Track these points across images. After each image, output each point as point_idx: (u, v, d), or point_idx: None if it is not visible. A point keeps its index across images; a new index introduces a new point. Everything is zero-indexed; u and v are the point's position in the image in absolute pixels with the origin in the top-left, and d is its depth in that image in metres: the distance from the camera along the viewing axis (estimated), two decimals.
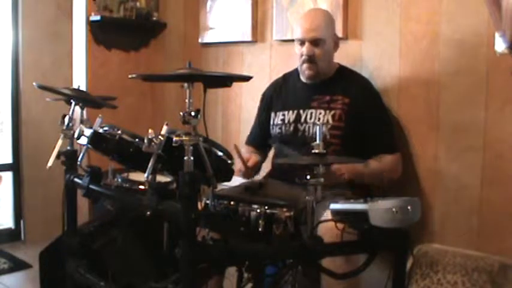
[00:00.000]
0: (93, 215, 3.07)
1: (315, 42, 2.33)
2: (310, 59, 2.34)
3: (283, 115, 2.44)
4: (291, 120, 2.41)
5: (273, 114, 2.48)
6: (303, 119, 2.38)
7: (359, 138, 2.29)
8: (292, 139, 2.39)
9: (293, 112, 2.42)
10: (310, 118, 2.36)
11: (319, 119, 2.33)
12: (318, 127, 1.76)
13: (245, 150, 2.60)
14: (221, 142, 2.03)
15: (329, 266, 1.77)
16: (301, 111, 2.39)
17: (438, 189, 2.35)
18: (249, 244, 1.67)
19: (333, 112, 2.32)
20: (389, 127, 2.38)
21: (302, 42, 2.35)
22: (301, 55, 2.36)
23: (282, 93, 2.53)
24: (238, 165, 2.19)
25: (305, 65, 2.37)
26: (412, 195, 1.70)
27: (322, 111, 2.34)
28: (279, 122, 2.45)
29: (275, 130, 2.46)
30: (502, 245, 2.14)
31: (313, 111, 2.36)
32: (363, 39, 2.59)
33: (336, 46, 2.43)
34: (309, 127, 2.36)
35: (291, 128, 2.40)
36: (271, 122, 2.48)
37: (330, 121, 2.31)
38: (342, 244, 1.75)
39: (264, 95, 2.63)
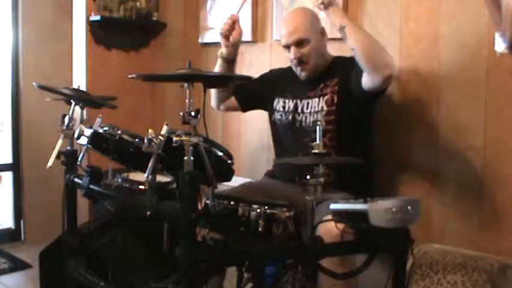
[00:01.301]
0: (93, 215, 3.07)
1: (298, 44, 2.32)
2: (300, 61, 2.34)
3: (284, 102, 2.46)
4: (290, 109, 2.42)
5: (276, 100, 2.49)
6: (300, 109, 2.39)
7: (353, 112, 2.27)
8: (290, 128, 2.41)
9: (292, 101, 2.43)
10: (307, 108, 2.37)
11: (314, 107, 2.34)
12: (318, 126, 1.76)
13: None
14: (221, 142, 2.04)
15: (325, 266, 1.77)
16: (298, 101, 2.41)
17: (438, 189, 2.35)
18: (249, 244, 1.67)
19: (326, 97, 2.32)
20: None
21: (288, 47, 2.36)
22: (291, 60, 2.38)
23: (285, 80, 2.53)
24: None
25: (298, 68, 2.38)
26: (412, 195, 1.70)
27: (316, 99, 2.35)
28: (280, 109, 2.46)
29: (276, 116, 2.47)
30: (502, 245, 2.14)
31: (310, 101, 2.37)
32: None
33: (324, 37, 2.39)
34: (305, 117, 2.36)
35: (290, 117, 2.41)
36: (274, 106, 2.49)
37: (324, 107, 2.31)
38: (342, 244, 1.75)
39: (271, 71, 2.66)
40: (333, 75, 2.36)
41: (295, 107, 2.41)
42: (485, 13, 2.07)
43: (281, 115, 2.45)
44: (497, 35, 2.08)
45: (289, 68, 2.59)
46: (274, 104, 2.49)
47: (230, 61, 2.47)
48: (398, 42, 2.45)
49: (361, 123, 2.34)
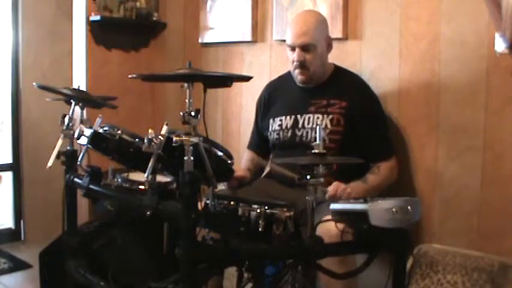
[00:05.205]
0: (93, 215, 3.07)
1: (305, 48, 2.29)
2: (302, 65, 2.31)
3: (281, 121, 2.41)
4: (289, 125, 2.38)
5: (271, 121, 2.45)
6: (300, 124, 2.35)
7: (357, 142, 2.27)
8: (290, 145, 2.36)
9: (290, 117, 2.38)
10: (308, 123, 2.33)
11: (317, 124, 2.29)
12: (318, 127, 1.76)
13: (247, 155, 2.59)
14: (221, 142, 2.03)
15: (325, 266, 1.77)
16: (298, 116, 2.36)
17: (438, 190, 2.35)
18: (249, 244, 1.67)
19: (330, 116, 2.29)
20: (386, 131, 2.36)
21: (293, 48, 2.32)
22: (293, 61, 2.33)
23: (278, 97, 2.50)
24: None
25: (297, 71, 2.34)
26: (412, 195, 1.70)
27: (320, 116, 2.31)
28: (277, 128, 2.41)
29: (273, 136, 2.43)
30: (502, 245, 2.14)
31: (311, 116, 2.33)
32: (362, 39, 2.58)
33: (329, 47, 2.39)
34: (307, 132, 2.33)
35: (289, 134, 2.37)
36: (269, 129, 2.45)
37: (329, 126, 2.28)
38: (342, 244, 1.75)
39: (259, 100, 2.60)
40: (339, 93, 2.32)
41: (295, 122, 2.36)
42: (485, 13, 2.07)
43: (278, 133, 2.40)
44: (497, 35, 2.08)
45: (278, 80, 2.58)
46: (270, 126, 2.45)
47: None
48: (398, 42, 2.45)
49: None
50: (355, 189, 2.11)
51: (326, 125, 2.28)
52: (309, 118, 2.34)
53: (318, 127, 1.76)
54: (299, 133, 2.35)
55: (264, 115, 2.52)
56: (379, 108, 2.37)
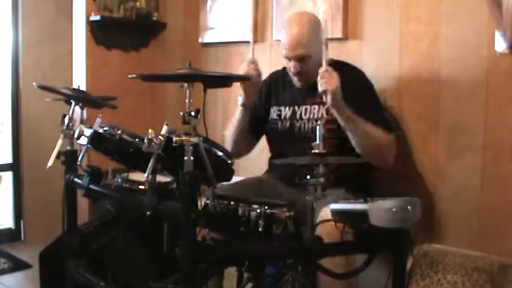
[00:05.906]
0: (93, 215, 3.07)
1: (300, 59, 2.29)
2: (299, 73, 2.33)
3: (279, 111, 2.44)
4: (287, 116, 2.41)
5: (271, 110, 2.48)
6: (298, 115, 2.38)
7: None
8: (289, 135, 2.39)
9: (289, 108, 2.42)
10: (305, 114, 2.36)
11: (313, 114, 2.33)
12: (318, 127, 1.76)
13: None
14: (221, 142, 2.04)
15: (327, 266, 1.77)
16: (296, 107, 2.40)
17: (438, 189, 2.36)
18: (249, 244, 1.67)
19: (326, 106, 2.27)
20: (381, 115, 2.31)
21: (288, 58, 2.32)
22: (289, 69, 2.36)
23: (280, 87, 2.52)
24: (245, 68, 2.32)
25: (295, 78, 2.36)
26: (412, 195, 1.70)
27: (316, 107, 2.34)
28: (276, 117, 2.45)
29: (271, 125, 2.45)
30: (502, 245, 2.14)
31: (308, 107, 2.36)
32: (363, 39, 2.59)
33: (327, 50, 2.32)
34: (304, 123, 2.36)
35: (287, 124, 2.40)
36: (269, 117, 2.47)
37: (324, 115, 2.30)
38: (342, 244, 1.75)
39: (262, 85, 2.58)
40: None
41: (293, 113, 2.39)
42: (485, 13, 2.07)
43: (276, 123, 2.43)
44: (497, 35, 2.08)
45: (283, 70, 2.57)
46: (269, 115, 2.47)
47: (250, 109, 2.41)
48: (398, 42, 2.45)
49: None
50: (347, 114, 2.12)
51: (322, 115, 2.31)
52: (306, 109, 2.37)
53: (318, 127, 1.76)
54: (297, 124, 2.38)
55: (263, 99, 2.52)
56: (372, 93, 2.34)
